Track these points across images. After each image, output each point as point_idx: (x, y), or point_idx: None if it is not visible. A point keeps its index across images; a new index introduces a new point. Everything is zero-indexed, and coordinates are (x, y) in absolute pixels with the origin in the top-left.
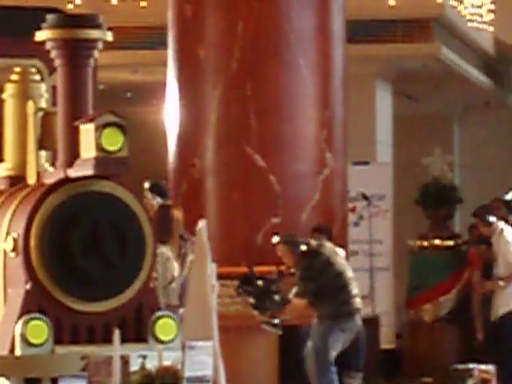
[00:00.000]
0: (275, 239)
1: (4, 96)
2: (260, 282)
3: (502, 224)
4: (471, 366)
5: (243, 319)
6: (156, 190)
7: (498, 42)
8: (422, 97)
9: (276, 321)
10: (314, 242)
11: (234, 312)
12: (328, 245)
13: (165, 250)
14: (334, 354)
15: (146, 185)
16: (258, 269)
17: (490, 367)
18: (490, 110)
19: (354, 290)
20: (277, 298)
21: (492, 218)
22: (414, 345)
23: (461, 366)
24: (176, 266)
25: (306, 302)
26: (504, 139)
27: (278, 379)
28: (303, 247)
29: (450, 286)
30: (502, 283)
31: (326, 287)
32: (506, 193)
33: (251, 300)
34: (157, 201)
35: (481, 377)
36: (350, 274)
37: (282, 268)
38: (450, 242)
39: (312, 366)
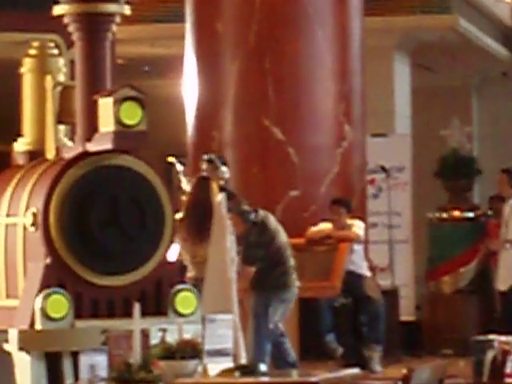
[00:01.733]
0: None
1: (22, 70)
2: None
3: None
4: (491, 337)
5: None
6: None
7: None
8: (440, 68)
9: None
10: (261, 212)
11: None
12: (272, 217)
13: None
14: (271, 324)
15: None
16: None
17: (511, 338)
18: (508, 81)
19: (293, 261)
20: None
21: None
22: (434, 317)
23: (481, 338)
24: None
25: (253, 269)
26: None
27: (298, 351)
28: (253, 214)
29: (469, 257)
30: (508, 245)
31: (272, 256)
32: None
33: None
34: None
35: (501, 348)
36: (289, 245)
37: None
38: (470, 214)
39: (249, 335)
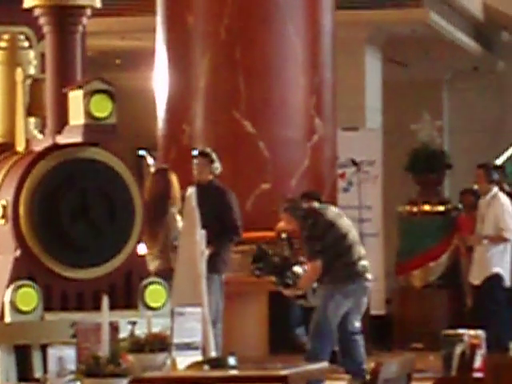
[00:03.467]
0: (281, 208)
1: None
2: (276, 258)
3: (496, 188)
4: (461, 331)
5: (232, 285)
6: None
7: (486, 7)
8: (411, 62)
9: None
10: (317, 205)
11: (224, 278)
12: (332, 208)
13: (174, 210)
14: (335, 319)
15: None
16: (249, 235)
17: (480, 332)
18: (479, 76)
19: (358, 253)
20: (296, 269)
21: (496, 176)
22: (404, 310)
23: (450, 332)
24: None
25: (320, 263)
26: (493, 104)
27: (268, 345)
28: (304, 208)
29: (439, 251)
30: (485, 241)
31: (330, 249)
32: (496, 158)
33: (272, 278)
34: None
35: (470, 342)
36: (354, 237)
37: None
38: (440, 208)
39: (311, 328)
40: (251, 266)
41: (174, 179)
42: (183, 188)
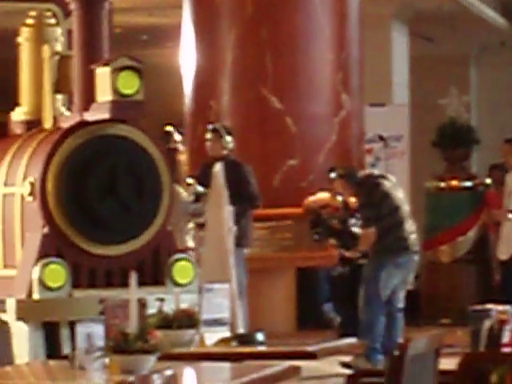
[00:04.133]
0: (332, 175)
1: (20, 40)
2: (334, 221)
3: None
4: (489, 306)
5: (259, 261)
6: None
7: None
8: (438, 38)
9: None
10: (376, 172)
11: (252, 254)
12: (390, 178)
13: (181, 191)
14: (386, 290)
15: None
16: (276, 211)
17: (508, 307)
18: (507, 51)
19: (411, 226)
20: (355, 230)
21: None
22: (432, 286)
23: (478, 307)
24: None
25: (373, 231)
26: None
27: (295, 321)
28: (358, 176)
29: (467, 226)
30: (510, 215)
31: (385, 218)
32: None
33: (332, 241)
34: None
35: (498, 317)
36: (406, 211)
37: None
38: (468, 183)
39: (361, 298)
40: (310, 231)
41: (183, 159)
42: (195, 165)
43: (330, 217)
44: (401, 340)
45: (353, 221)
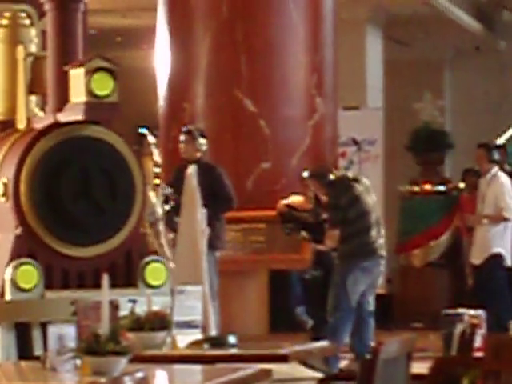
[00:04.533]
0: (304, 174)
1: None
2: (305, 214)
3: (496, 168)
4: (461, 311)
5: (232, 264)
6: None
7: None
8: (413, 42)
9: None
10: (350, 174)
11: (225, 256)
12: (364, 181)
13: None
14: (354, 295)
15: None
16: (249, 213)
17: (480, 312)
18: (481, 55)
19: (377, 232)
20: (326, 225)
21: (496, 156)
22: (405, 290)
23: (451, 311)
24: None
25: (337, 233)
26: (494, 84)
27: (268, 324)
28: (331, 177)
29: (440, 230)
30: (485, 221)
31: (351, 223)
32: (497, 137)
33: (304, 234)
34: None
35: (470, 322)
36: (376, 215)
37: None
38: (441, 187)
39: (330, 302)
40: (282, 225)
41: (145, 160)
42: (169, 168)
43: (301, 210)
44: (372, 343)
45: (324, 214)
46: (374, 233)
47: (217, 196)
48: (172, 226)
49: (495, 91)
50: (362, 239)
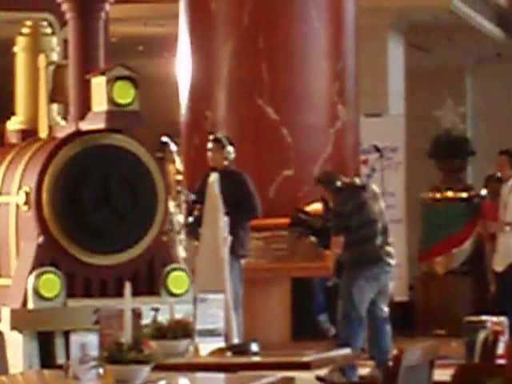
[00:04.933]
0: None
1: (16, 49)
2: (314, 219)
3: None
4: (483, 317)
5: (255, 272)
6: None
7: None
8: (434, 48)
9: None
10: (358, 181)
11: (247, 264)
12: (372, 188)
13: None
14: (362, 304)
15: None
16: (271, 221)
17: (503, 319)
18: (502, 62)
19: (383, 240)
20: None
21: None
22: (427, 297)
23: (473, 318)
24: (181, 217)
25: (342, 239)
26: None
27: (290, 332)
28: (338, 183)
29: (462, 238)
30: (507, 228)
31: (354, 231)
32: None
33: (313, 239)
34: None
35: (493, 329)
36: (382, 224)
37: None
38: (463, 194)
39: (339, 313)
40: (291, 229)
41: (171, 169)
42: (191, 175)
43: (311, 215)
44: (392, 350)
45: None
46: (378, 241)
47: (241, 204)
48: (196, 236)
49: None
50: (365, 247)
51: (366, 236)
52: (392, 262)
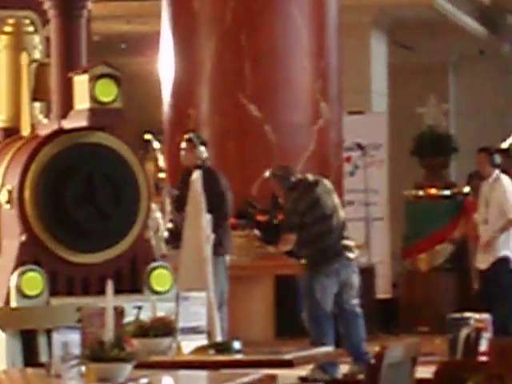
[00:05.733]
0: (267, 173)
1: None
2: (260, 217)
3: (498, 171)
4: (467, 314)
5: (238, 269)
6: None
7: None
8: (417, 46)
9: None
10: (310, 177)
11: (230, 262)
12: (324, 183)
13: None
14: (326, 301)
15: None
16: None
17: (486, 316)
18: (485, 59)
19: (339, 234)
20: (280, 225)
21: (498, 160)
22: (410, 294)
23: (456, 315)
24: (159, 215)
25: (293, 237)
26: (499, 88)
27: (274, 329)
28: (292, 179)
29: (445, 235)
30: (497, 234)
31: (309, 227)
32: (502, 141)
33: (256, 232)
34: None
35: (476, 325)
36: (337, 219)
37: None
38: (446, 192)
39: (306, 315)
40: (237, 221)
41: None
42: (174, 173)
43: (257, 209)
44: (363, 344)
45: (280, 216)
46: (335, 236)
47: (211, 204)
48: (174, 245)
49: (500, 95)
50: (321, 244)
51: (321, 232)
52: (352, 255)
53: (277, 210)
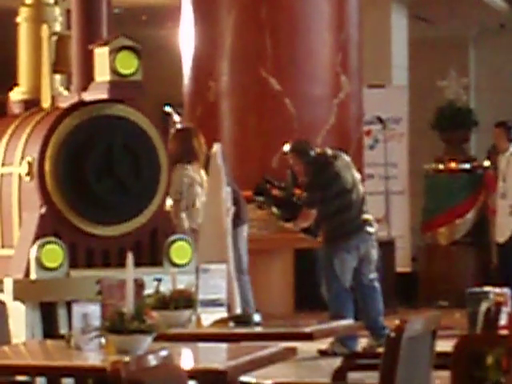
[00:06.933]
0: (286, 147)
1: (18, 20)
2: (277, 192)
3: None
4: (486, 289)
5: (257, 242)
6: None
7: None
8: (438, 20)
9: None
10: (329, 151)
11: (249, 235)
12: (343, 157)
13: (192, 174)
14: (345, 276)
15: None
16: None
17: (505, 290)
18: (506, 33)
19: (359, 208)
20: (298, 202)
21: None
22: (430, 268)
23: (476, 290)
24: (200, 190)
25: (314, 213)
26: None
27: (293, 303)
28: (312, 154)
29: (465, 208)
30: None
31: (330, 202)
32: None
33: (274, 210)
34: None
35: (496, 300)
36: (357, 193)
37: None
38: (466, 165)
39: (326, 290)
40: (253, 197)
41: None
42: (209, 145)
43: (275, 185)
44: (380, 318)
45: (297, 192)
46: (354, 210)
47: None
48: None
49: None
50: (342, 218)
51: (341, 206)
52: (371, 230)
53: (295, 186)
